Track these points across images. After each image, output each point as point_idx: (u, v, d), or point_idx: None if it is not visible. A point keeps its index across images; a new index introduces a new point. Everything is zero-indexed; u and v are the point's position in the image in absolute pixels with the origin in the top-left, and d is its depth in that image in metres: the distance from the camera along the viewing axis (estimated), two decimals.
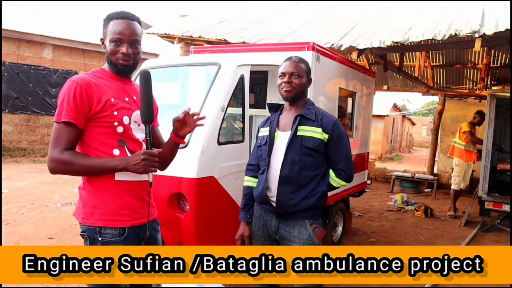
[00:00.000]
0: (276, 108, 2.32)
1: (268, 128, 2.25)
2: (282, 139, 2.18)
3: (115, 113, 1.72)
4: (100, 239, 1.70)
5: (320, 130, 2.14)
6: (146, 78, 1.73)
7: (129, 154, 1.76)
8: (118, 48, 1.73)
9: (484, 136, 6.03)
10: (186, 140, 2.33)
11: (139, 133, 1.83)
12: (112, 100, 1.72)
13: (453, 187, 6.85)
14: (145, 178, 1.79)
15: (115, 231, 1.72)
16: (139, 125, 1.82)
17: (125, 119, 1.75)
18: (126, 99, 1.79)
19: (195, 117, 1.87)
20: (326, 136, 2.14)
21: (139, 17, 1.83)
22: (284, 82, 2.17)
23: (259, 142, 2.29)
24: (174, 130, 1.86)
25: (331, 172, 2.21)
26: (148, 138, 1.74)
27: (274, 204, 2.16)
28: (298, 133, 2.13)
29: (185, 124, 1.86)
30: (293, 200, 2.12)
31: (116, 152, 1.74)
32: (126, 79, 1.85)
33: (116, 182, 1.73)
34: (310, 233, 2.13)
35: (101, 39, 1.80)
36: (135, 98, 1.83)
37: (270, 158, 2.18)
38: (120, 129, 1.74)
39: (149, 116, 1.74)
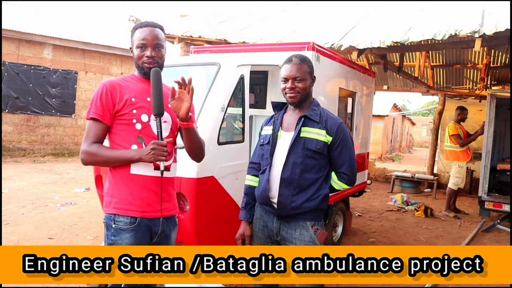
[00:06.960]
0: (280, 107, 2.27)
1: (271, 127, 2.21)
2: (285, 140, 2.14)
3: (134, 111, 1.88)
4: (114, 226, 1.87)
5: (324, 132, 2.09)
6: (156, 75, 1.86)
7: None
8: (143, 53, 1.92)
9: (484, 136, 6.02)
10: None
11: (164, 132, 1.92)
12: (133, 99, 1.89)
13: (452, 187, 6.85)
14: (159, 174, 1.88)
15: (126, 220, 1.86)
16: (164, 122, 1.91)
17: (144, 117, 1.90)
18: (148, 99, 1.91)
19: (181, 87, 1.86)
20: (330, 138, 2.09)
21: (162, 25, 2.04)
22: (288, 88, 2.11)
23: (262, 141, 2.25)
24: (177, 115, 1.86)
25: (333, 174, 2.17)
26: (159, 130, 1.85)
27: (275, 206, 2.13)
28: (302, 135, 2.09)
29: (181, 100, 1.85)
30: (294, 203, 2.08)
31: (134, 147, 1.89)
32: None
33: (131, 175, 1.89)
34: (312, 234, 2.10)
35: (130, 48, 2.01)
36: None
37: (272, 158, 2.15)
38: (138, 126, 1.89)
39: (160, 109, 1.84)
